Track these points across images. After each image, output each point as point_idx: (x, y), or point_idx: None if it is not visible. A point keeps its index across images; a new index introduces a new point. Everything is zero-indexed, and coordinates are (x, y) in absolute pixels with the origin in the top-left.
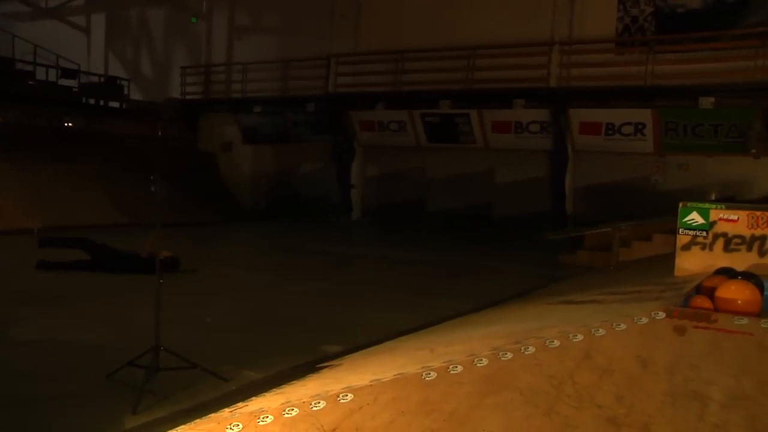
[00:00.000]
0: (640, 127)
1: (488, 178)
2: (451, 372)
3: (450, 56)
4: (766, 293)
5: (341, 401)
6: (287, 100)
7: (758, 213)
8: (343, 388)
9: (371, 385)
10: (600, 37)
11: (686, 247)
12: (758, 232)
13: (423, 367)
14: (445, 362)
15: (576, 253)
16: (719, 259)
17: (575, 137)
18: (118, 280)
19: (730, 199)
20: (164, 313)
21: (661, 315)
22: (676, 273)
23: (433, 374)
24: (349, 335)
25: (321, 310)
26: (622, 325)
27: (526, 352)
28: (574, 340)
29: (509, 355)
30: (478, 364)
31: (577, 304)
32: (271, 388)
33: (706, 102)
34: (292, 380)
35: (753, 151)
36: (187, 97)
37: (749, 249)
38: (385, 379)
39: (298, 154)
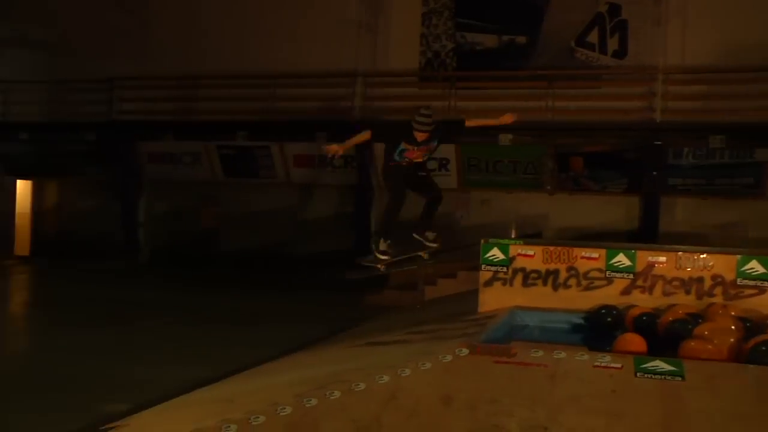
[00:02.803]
0: (444, 162)
1: (289, 214)
2: (253, 423)
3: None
4: None
5: None
6: (61, 127)
7: (551, 248)
8: None
9: None
10: (403, 70)
11: (488, 283)
12: (552, 266)
13: (222, 420)
14: (245, 413)
15: (382, 293)
16: (518, 293)
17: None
18: None
19: (537, 234)
20: None
21: (465, 351)
22: (480, 309)
23: (234, 426)
24: (135, 392)
25: (99, 366)
26: (427, 364)
27: (331, 397)
28: (380, 381)
29: (314, 402)
30: (282, 413)
31: (384, 345)
32: None
33: (505, 139)
34: None
35: (548, 187)
36: None
37: (545, 283)
38: None
39: (73, 188)
